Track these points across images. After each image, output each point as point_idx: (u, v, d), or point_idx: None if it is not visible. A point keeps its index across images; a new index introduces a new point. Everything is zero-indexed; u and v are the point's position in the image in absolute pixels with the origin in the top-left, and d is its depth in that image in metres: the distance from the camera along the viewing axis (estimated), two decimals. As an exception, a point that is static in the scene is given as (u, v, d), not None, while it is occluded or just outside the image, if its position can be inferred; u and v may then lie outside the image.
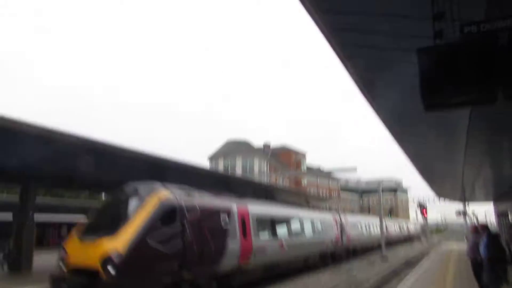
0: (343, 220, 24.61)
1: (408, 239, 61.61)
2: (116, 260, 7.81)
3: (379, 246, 26.98)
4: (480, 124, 8.20)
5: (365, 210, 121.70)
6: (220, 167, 72.00)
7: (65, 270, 8.38)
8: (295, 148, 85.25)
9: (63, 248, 8.72)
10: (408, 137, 12.19)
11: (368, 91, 6.81)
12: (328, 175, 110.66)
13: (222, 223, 11.29)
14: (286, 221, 16.04)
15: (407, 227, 60.83)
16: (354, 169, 31.83)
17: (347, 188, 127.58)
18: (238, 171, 67.98)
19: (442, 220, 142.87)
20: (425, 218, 61.71)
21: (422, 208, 52.06)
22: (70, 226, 30.47)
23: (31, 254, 13.70)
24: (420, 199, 64.63)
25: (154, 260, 8.51)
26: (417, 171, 20.75)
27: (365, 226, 30.88)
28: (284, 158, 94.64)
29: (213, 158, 70.91)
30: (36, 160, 10.95)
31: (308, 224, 18.22)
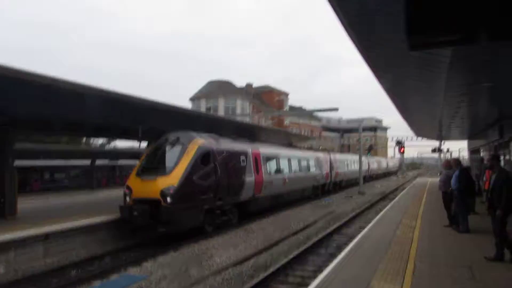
0: (332, 158, 30.37)
1: (386, 174, 64.70)
2: (171, 192, 11.54)
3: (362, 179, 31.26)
4: (461, 65, 8.37)
5: (346, 148, 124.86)
6: (203, 108, 71.57)
7: (130, 201, 11.96)
8: (278, 88, 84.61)
9: (127, 186, 12.25)
10: (391, 76, 12.38)
11: (353, 28, 6.79)
12: (310, 114, 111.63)
13: (242, 163, 15.23)
14: (288, 159, 20.93)
15: (386, 164, 63.61)
16: (335, 109, 32.26)
17: (328, 127, 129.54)
18: (221, 112, 67.75)
19: (418, 156, 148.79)
20: (402, 155, 64.36)
21: (400, 146, 53.85)
22: (52, 170, 31.34)
23: (15, 200, 13.44)
24: (399, 137, 66.77)
25: (196, 191, 12.29)
26: (398, 111, 21.21)
27: (349, 163, 36.77)
28: (267, 98, 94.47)
29: (195, 99, 70.11)
30: (13, 104, 10.96)
31: (304, 162, 23.40)
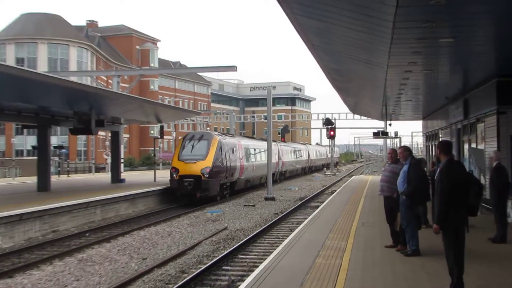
0: (279, 148, 50.76)
1: (308, 169, 68.30)
2: (208, 170, 30.23)
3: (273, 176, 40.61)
4: (409, 13, 9.03)
5: (249, 128, 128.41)
6: (10, 59, 67.01)
7: (177, 177, 30.00)
8: (141, 32, 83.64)
9: (174, 167, 30.44)
10: (321, 31, 12.95)
11: None
12: (193, 76, 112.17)
13: (235, 152, 35.35)
14: (255, 150, 41.71)
15: (308, 154, 67.18)
16: (232, 68, 32.80)
17: (222, 97, 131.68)
18: (43, 66, 64.17)
19: (356, 143, 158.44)
20: (332, 140, 68.24)
21: (330, 127, 57.03)
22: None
23: None
24: (328, 115, 70.37)
25: (219, 170, 31.53)
26: (328, 78, 22.34)
27: (294, 153, 59.43)
28: (122, 46, 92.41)
29: (-4, 42, 65.56)
30: None
31: (263, 152, 41.64)
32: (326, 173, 68.64)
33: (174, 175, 30.09)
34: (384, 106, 28.35)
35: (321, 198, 33.43)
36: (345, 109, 51.03)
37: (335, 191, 33.78)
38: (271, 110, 34.07)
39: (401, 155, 11.48)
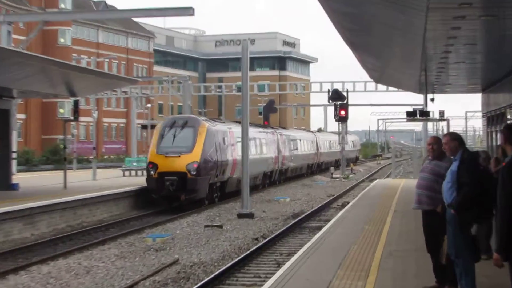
0: (279, 137, 58.23)
1: (317, 167, 68.93)
2: (195, 166, 36.78)
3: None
4: None
5: (212, 105, 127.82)
6: None
7: (155, 174, 36.78)
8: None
9: (151, 162, 37.35)
10: None
11: None
12: (127, 24, 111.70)
13: (226, 143, 43.21)
14: (250, 140, 41.79)
15: (316, 146, 67.78)
16: (187, 11, 32.69)
17: (172, 56, 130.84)
18: None
19: (380, 129, 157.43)
20: (342, 124, 67.62)
21: (340, 105, 56.69)
22: None
23: None
24: (337, 84, 70.21)
25: (209, 166, 38.52)
26: (337, 28, 22.33)
27: (298, 143, 66.82)
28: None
29: None
30: None
31: (258, 142, 50.65)
32: (333, 176, 67.91)
33: (152, 172, 35.91)
34: (423, 71, 28.46)
35: (327, 214, 33.58)
36: (364, 76, 50.25)
37: (348, 203, 33.91)
38: (247, 76, 33.99)
39: (447, 147, 11.15)
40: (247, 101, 34.25)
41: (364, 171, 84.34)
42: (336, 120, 60.15)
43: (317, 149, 71.28)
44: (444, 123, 55.38)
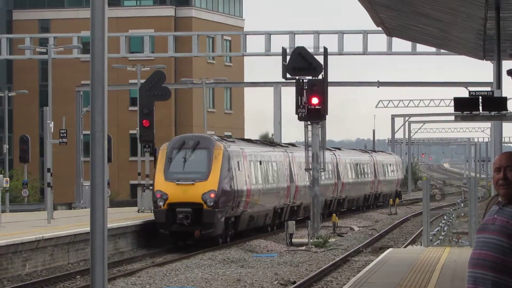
0: (290, 158, 59.28)
1: (374, 199, 59.58)
2: (213, 195, 48.26)
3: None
4: None
5: (23, 82, 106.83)
6: None
7: (164, 206, 47.25)
8: None
9: (160, 191, 46.73)
10: None
11: None
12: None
13: (240, 168, 54.08)
14: (262, 164, 56.74)
15: (374, 170, 57.64)
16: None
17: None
18: None
19: (399, 138, 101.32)
20: (318, 128, 42.23)
21: (310, 84, 31.10)
22: None
23: None
24: (301, 38, 46.66)
25: (227, 196, 49.89)
26: None
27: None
28: None
29: None
30: None
31: (277, 166, 58.35)
32: (293, 241, 47.30)
33: (160, 203, 34.73)
34: (495, 10, 19.32)
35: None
36: (363, 21, 32.72)
37: None
38: (104, 17, 14.77)
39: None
40: (104, 75, 12.61)
41: (362, 229, 60.24)
42: (300, 118, 37.69)
43: (376, 175, 59.39)
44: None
